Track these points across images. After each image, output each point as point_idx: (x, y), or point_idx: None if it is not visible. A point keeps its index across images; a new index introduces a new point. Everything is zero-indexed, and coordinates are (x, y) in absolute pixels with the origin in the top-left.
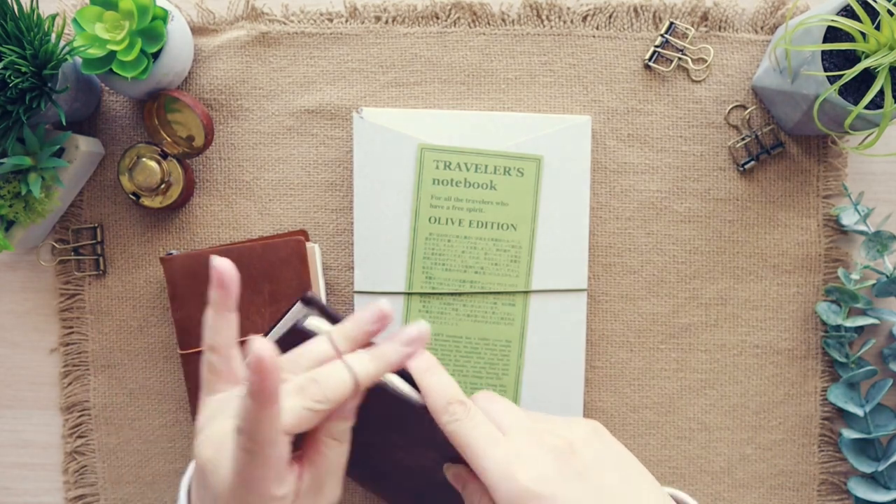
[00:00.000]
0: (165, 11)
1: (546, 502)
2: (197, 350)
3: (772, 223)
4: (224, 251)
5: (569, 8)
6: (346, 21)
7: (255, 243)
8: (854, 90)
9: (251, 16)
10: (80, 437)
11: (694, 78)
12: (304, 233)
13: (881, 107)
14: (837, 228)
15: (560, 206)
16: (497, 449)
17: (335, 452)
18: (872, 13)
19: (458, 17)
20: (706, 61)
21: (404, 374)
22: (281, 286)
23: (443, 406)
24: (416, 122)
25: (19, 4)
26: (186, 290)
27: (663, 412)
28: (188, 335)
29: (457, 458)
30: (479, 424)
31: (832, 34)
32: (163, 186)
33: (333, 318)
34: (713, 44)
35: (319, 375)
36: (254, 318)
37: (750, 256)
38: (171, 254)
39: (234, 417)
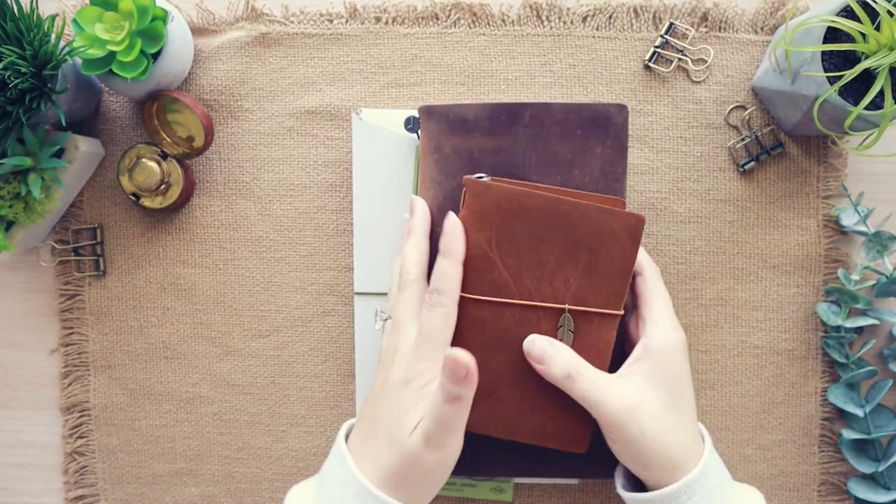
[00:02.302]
0: (165, 12)
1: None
2: (478, 297)
3: (772, 224)
4: (550, 200)
5: (569, 8)
6: (346, 22)
7: (590, 203)
8: (854, 91)
9: (251, 16)
10: (80, 437)
11: (694, 78)
12: (621, 203)
13: (881, 107)
14: (837, 229)
15: None
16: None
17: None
18: (872, 14)
19: (458, 18)
20: (706, 62)
21: None
22: (601, 261)
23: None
24: None
25: (19, 5)
26: (487, 223)
27: None
28: (465, 271)
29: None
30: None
31: (832, 35)
32: (163, 187)
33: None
34: (713, 44)
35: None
36: (557, 285)
37: (750, 257)
38: (481, 177)
39: (427, 285)
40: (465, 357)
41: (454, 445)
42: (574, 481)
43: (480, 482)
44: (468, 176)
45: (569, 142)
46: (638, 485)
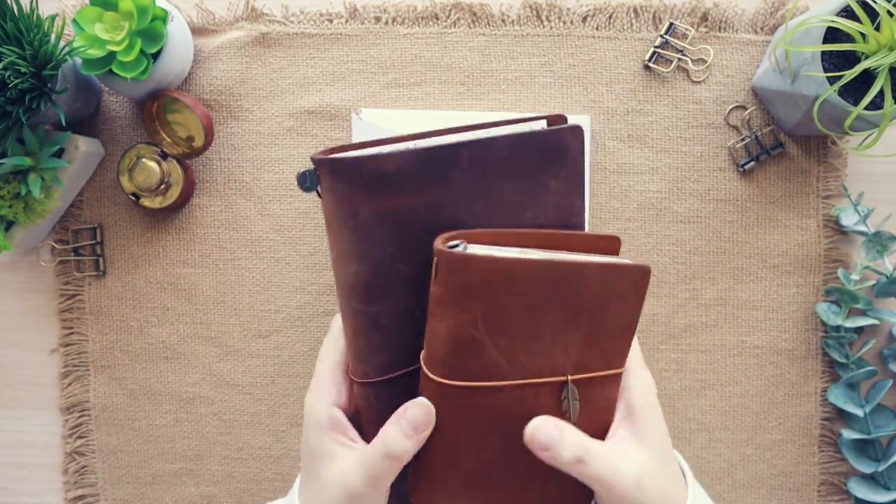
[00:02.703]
0: (165, 12)
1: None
2: (465, 384)
3: (772, 224)
4: (546, 267)
5: (569, 9)
6: (346, 22)
7: (592, 263)
8: (854, 91)
9: (251, 16)
10: (80, 437)
11: (694, 78)
12: (616, 241)
13: (881, 107)
14: (837, 229)
15: None
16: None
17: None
18: (872, 14)
19: (458, 18)
20: (706, 62)
21: None
22: (603, 324)
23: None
24: (413, 123)
25: (19, 5)
26: (469, 301)
27: (663, 413)
28: (446, 356)
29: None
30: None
31: (832, 35)
32: (163, 187)
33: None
34: (713, 44)
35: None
36: (555, 356)
37: (750, 257)
38: (455, 245)
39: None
40: (429, 405)
41: (379, 497)
42: None
43: None
44: (439, 244)
45: (517, 182)
46: None
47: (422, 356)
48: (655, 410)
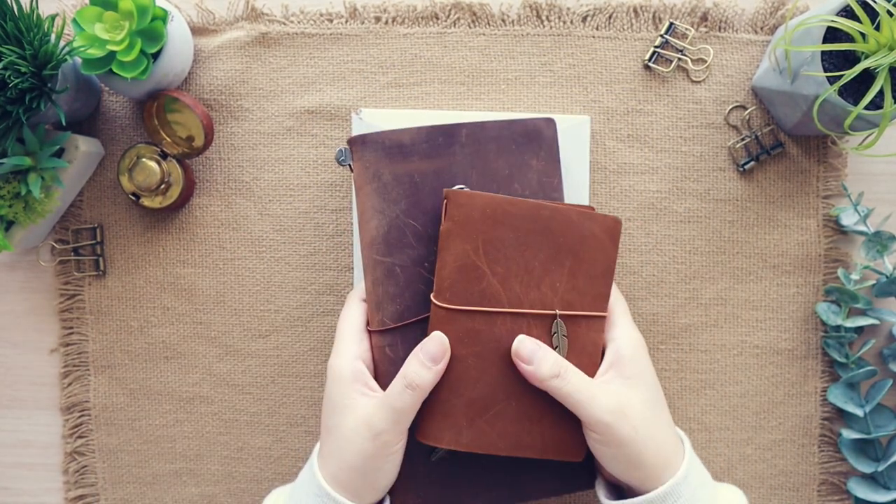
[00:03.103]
0: (165, 12)
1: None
2: (457, 308)
3: (772, 223)
4: (532, 206)
5: (568, 8)
6: (346, 22)
7: (571, 208)
8: (854, 90)
9: (251, 16)
10: (80, 437)
11: (694, 78)
12: (591, 209)
13: (881, 107)
14: (837, 229)
15: None
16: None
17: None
18: (872, 14)
19: (458, 18)
20: (706, 62)
21: None
22: (584, 264)
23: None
24: (413, 123)
25: (19, 4)
26: (472, 232)
27: None
28: (454, 283)
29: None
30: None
31: (832, 34)
32: (163, 187)
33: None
34: (713, 44)
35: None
36: (544, 290)
37: (750, 257)
38: (462, 188)
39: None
40: (444, 337)
41: (399, 436)
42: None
43: None
44: (449, 188)
45: (506, 157)
46: (617, 494)
47: (432, 295)
48: (643, 360)
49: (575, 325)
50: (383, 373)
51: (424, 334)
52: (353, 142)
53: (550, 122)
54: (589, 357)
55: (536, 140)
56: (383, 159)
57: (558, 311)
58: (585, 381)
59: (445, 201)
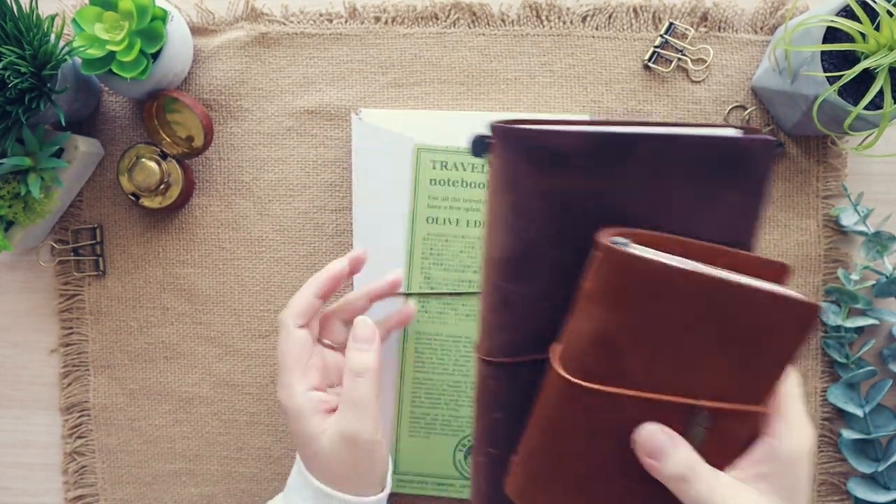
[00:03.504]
0: (165, 12)
1: None
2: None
3: (772, 223)
4: (712, 283)
5: (568, 8)
6: (346, 22)
7: (763, 290)
8: (854, 91)
9: (251, 16)
10: (79, 437)
11: (693, 78)
12: (785, 269)
13: (881, 107)
14: (837, 229)
15: None
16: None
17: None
18: (872, 14)
19: (458, 18)
20: (706, 62)
21: None
22: (754, 356)
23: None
24: (413, 123)
25: (19, 4)
26: (622, 303)
27: None
28: (584, 356)
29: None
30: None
31: (832, 34)
32: (162, 187)
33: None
34: (713, 44)
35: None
36: (694, 376)
37: None
38: (620, 242)
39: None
40: (368, 319)
41: (374, 428)
42: None
43: None
44: (604, 238)
45: (695, 186)
46: None
47: (553, 350)
48: (803, 470)
49: (722, 419)
50: (481, 400)
51: (534, 376)
52: (496, 132)
53: (768, 144)
54: (728, 456)
55: (743, 166)
56: (525, 165)
57: (706, 403)
58: (716, 485)
59: (598, 254)
